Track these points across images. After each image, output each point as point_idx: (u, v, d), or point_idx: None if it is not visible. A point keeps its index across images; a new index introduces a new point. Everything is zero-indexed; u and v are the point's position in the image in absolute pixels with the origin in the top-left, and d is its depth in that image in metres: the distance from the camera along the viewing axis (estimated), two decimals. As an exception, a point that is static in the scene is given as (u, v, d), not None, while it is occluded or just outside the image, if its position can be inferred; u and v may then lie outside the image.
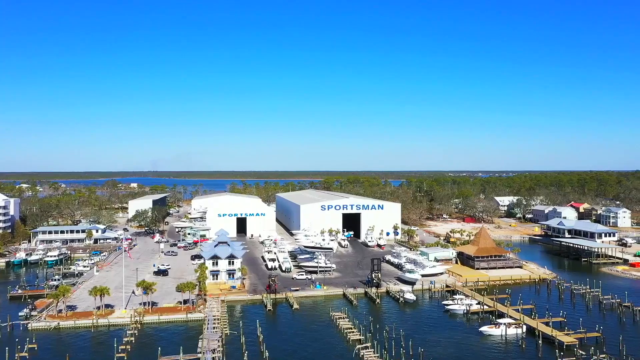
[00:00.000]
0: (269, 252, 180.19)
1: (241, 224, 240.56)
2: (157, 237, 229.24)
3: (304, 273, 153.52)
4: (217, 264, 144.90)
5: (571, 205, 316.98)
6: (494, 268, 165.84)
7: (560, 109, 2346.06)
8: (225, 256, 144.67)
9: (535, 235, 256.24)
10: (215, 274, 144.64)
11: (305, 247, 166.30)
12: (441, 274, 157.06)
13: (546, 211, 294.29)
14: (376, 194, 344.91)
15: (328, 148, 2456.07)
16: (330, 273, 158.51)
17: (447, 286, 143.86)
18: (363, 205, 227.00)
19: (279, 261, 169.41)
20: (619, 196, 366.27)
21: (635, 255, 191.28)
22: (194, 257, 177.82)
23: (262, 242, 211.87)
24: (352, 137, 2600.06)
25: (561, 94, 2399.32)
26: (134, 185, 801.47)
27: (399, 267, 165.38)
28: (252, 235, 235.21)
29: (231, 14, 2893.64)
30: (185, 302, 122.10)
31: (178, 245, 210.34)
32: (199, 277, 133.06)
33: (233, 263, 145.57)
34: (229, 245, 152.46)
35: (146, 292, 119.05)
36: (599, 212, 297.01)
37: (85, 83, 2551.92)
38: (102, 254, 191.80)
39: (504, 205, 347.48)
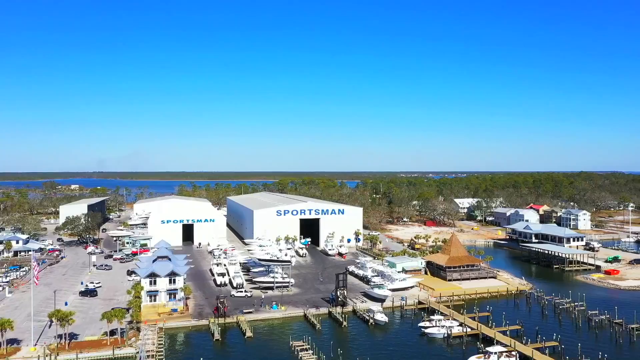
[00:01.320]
0: (218, 265, 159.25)
1: (188, 232, 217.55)
2: (91, 247, 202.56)
3: (243, 291, 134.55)
4: (155, 282, 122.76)
5: (531, 207, 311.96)
6: (467, 279, 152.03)
7: (509, 110, 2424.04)
8: (165, 273, 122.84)
9: (499, 239, 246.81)
10: (152, 295, 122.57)
11: (259, 259, 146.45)
12: (411, 287, 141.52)
13: (508, 214, 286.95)
14: (333, 197, 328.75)
15: (281, 148, 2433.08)
16: (289, 289, 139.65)
17: (420, 302, 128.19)
18: (322, 210, 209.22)
19: (229, 275, 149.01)
20: (574, 198, 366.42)
21: (606, 261, 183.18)
22: (130, 272, 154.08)
23: (210, 252, 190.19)
24: (305, 138, 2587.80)
25: (510, 95, 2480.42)
26: (75, 186, 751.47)
27: (364, 279, 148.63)
28: (199, 244, 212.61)
29: (168, 14, 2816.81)
30: (112, 333, 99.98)
31: (114, 257, 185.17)
32: (130, 302, 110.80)
33: (175, 281, 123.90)
34: (169, 260, 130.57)
35: (61, 323, 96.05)
36: (559, 214, 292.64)
37: (28, 77, 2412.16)
38: (21, 270, 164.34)
39: (464, 208, 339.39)
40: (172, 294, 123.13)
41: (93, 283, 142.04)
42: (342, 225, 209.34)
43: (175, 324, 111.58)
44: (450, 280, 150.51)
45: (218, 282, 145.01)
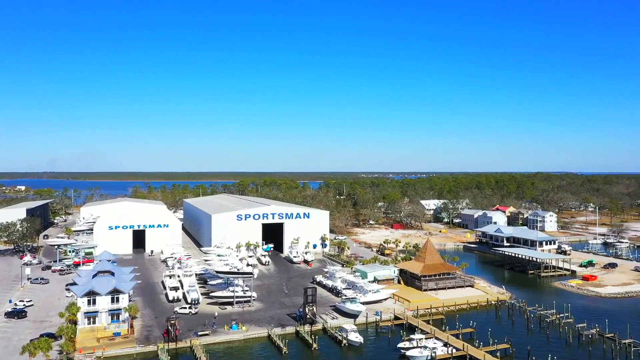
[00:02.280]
0: (171, 277, 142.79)
1: (139, 238, 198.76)
2: (27, 257, 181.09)
3: (186, 307, 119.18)
4: (94, 302, 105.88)
5: (497, 209, 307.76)
6: (444, 288, 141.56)
7: (466, 110, 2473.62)
8: (106, 291, 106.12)
9: (469, 242, 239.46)
10: (91, 317, 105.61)
11: (217, 272, 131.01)
12: (385, 299, 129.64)
13: (475, 216, 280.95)
14: (296, 199, 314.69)
15: (241, 148, 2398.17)
16: (251, 304, 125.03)
17: (396, 317, 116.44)
18: (286, 214, 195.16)
19: (183, 289, 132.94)
20: (537, 199, 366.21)
21: (580, 266, 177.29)
22: (69, 287, 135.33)
23: (164, 261, 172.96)
24: (265, 137, 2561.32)
25: (469, 95, 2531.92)
26: (22, 187, 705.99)
27: (334, 291, 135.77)
28: (152, 251, 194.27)
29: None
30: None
31: (52, 268, 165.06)
32: (61, 329, 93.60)
33: (118, 300, 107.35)
34: (112, 274, 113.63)
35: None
36: (525, 216, 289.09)
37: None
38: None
39: (430, 209, 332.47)
40: (114, 314, 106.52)
41: (23, 302, 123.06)
42: (308, 230, 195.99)
43: (117, 352, 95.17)
44: (425, 290, 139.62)
45: (170, 298, 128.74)
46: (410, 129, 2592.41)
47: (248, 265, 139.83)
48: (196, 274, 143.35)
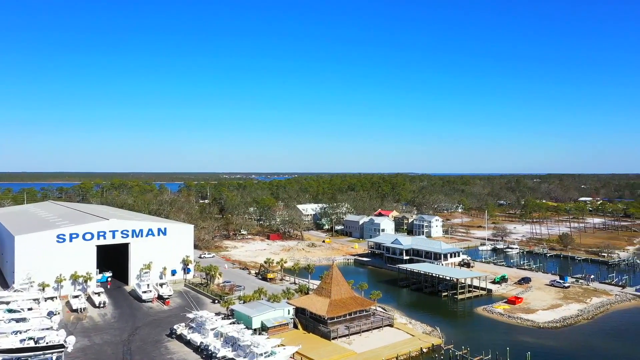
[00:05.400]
0: None
1: None
2: None
3: None
4: None
5: (380, 214, 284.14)
6: (358, 333, 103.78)
7: (330, 109, 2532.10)
8: None
9: (359, 254, 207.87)
10: None
11: (5, 350, 76.55)
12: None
13: (361, 222, 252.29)
14: (151, 205, 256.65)
15: (88, 143, 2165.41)
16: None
17: (306, 400, 75.12)
18: (133, 231, 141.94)
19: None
20: (414, 201, 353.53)
21: (493, 282, 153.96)
22: None
23: None
24: (115, 130, 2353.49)
25: (322, 94, 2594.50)
26: None
27: (204, 353, 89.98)
28: None
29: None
30: None
31: None
32: None
33: None
34: None
35: None
36: (410, 220, 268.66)
37: None
38: None
39: (308, 215, 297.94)
40: None
41: None
42: (164, 250, 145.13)
43: None
44: (335, 338, 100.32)
45: None
46: (273, 128, 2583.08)
47: (57, 329, 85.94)
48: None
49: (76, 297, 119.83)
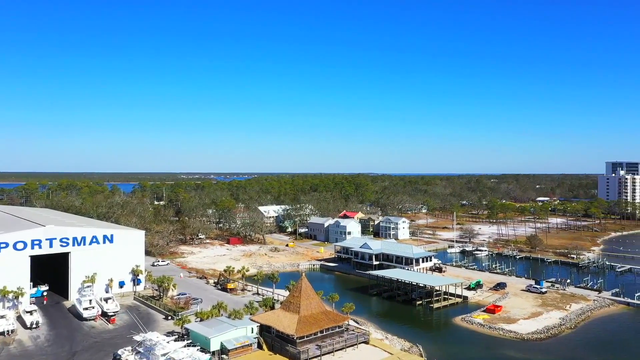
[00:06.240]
0: None
1: None
2: None
3: None
4: None
5: (345, 215, 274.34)
6: (332, 352, 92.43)
7: (285, 109, 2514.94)
8: None
9: (325, 259, 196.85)
10: None
11: None
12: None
13: (326, 224, 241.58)
14: (100, 208, 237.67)
15: (33, 141, 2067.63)
16: None
17: None
18: (75, 239, 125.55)
19: None
20: (378, 202, 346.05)
21: (469, 288, 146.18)
22: None
23: None
24: (69, 131, 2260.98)
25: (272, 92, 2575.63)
26: None
27: (154, 386, 76.51)
28: None
29: None
30: None
31: None
32: None
33: None
34: None
35: None
36: (377, 222, 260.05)
37: None
38: None
39: (270, 217, 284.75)
40: None
41: None
42: (111, 260, 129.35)
43: None
44: (305, 359, 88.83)
45: None
46: (232, 128, 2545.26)
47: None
48: None
49: (1, 317, 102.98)
